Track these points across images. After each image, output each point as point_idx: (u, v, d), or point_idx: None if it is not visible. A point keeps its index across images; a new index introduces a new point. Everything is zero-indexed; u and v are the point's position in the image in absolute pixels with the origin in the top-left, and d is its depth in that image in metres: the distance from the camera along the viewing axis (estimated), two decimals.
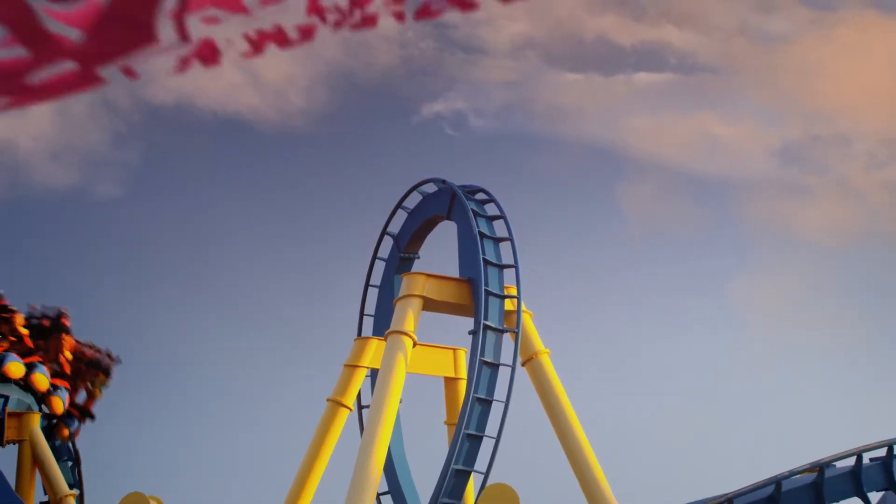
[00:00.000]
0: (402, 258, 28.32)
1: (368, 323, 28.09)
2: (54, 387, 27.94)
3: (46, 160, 49.22)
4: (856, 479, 20.64)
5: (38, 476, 28.15)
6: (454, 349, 28.05)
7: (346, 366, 26.86)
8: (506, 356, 24.27)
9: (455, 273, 26.56)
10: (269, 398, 46.92)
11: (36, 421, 28.08)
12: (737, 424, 42.88)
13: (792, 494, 20.08)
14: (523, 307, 25.14)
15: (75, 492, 28.50)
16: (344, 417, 27.05)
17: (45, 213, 47.19)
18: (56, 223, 48.55)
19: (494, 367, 24.26)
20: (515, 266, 25.37)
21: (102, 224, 49.07)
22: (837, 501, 20.50)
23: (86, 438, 29.87)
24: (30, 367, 27.23)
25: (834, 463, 21.13)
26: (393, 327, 25.23)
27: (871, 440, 21.08)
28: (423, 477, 26.79)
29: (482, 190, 26.48)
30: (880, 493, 21.56)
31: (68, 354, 27.85)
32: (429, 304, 25.61)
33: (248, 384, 48.35)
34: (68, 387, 28.33)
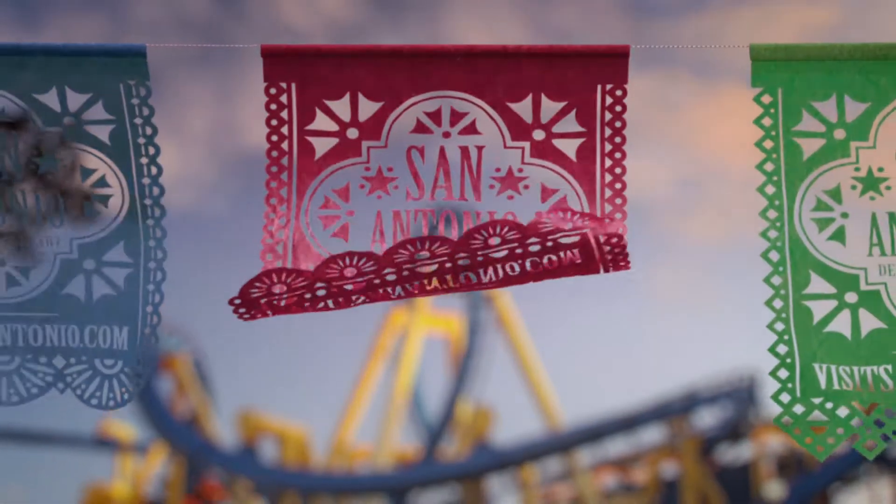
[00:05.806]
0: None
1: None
2: None
3: (169, 188, 60.94)
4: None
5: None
6: (455, 316, 34.71)
7: (384, 326, 33.88)
8: (487, 321, 32.45)
9: None
10: (332, 344, 58.75)
11: (182, 358, 33.51)
12: (640, 362, 55.81)
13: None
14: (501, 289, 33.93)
15: (210, 406, 33.76)
16: (381, 359, 33.50)
17: (169, 227, 58.54)
18: (177, 234, 59.99)
19: (480, 328, 32.43)
20: None
21: (212, 235, 60.45)
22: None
23: (216, 366, 37.87)
24: None
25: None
26: (412, 300, 33.16)
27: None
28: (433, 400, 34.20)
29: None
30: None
31: None
32: None
33: (317, 332, 60.74)
34: None
